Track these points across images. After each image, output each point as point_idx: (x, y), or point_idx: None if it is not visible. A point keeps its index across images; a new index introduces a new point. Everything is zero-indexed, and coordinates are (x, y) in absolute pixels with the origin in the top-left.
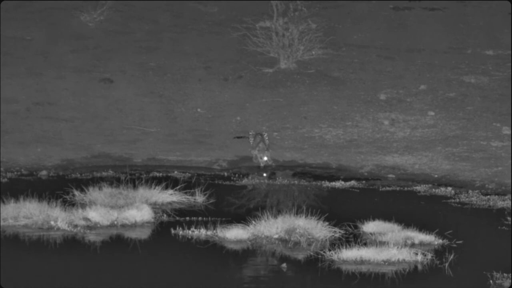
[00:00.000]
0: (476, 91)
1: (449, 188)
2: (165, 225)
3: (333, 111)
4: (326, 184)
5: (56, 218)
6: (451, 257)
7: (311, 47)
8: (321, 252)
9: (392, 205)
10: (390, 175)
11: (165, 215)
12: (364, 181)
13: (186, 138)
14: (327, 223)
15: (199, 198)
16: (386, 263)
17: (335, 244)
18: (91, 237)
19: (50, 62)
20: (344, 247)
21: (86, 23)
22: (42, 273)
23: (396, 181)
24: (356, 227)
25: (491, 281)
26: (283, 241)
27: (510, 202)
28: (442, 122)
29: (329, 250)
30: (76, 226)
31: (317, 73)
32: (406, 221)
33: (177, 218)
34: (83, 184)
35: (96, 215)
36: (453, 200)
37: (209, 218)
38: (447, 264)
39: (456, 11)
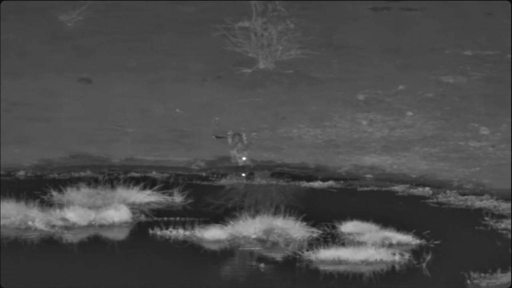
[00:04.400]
0: (455, 91)
1: (427, 188)
2: (143, 225)
3: (312, 111)
4: (304, 184)
5: (33, 218)
6: (429, 257)
7: (290, 47)
8: (299, 252)
9: (370, 205)
10: (368, 175)
11: (143, 215)
12: (342, 181)
13: (165, 138)
14: (305, 223)
15: (177, 198)
16: (364, 263)
17: (313, 244)
18: (69, 237)
19: (28, 62)
20: (322, 247)
21: (65, 23)
22: (18, 273)
23: (374, 181)
24: (334, 227)
25: (468, 281)
26: (261, 241)
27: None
28: (420, 122)
29: (307, 250)
30: (53, 226)
31: (295, 73)
32: (384, 221)
33: (155, 218)
34: (61, 184)
35: (74, 215)
36: (431, 200)
37: (187, 218)
38: (424, 264)
39: (435, 11)
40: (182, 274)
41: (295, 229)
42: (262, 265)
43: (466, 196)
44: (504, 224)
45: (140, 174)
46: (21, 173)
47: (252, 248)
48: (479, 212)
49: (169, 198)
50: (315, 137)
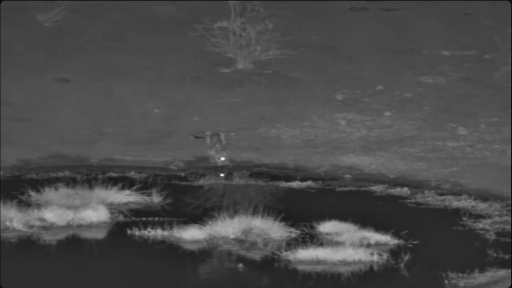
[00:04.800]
0: (433, 91)
1: (405, 188)
2: (122, 225)
3: (290, 111)
4: (283, 184)
5: (11, 218)
6: (407, 257)
7: (269, 48)
8: (277, 252)
9: (348, 205)
10: (347, 175)
11: (121, 216)
12: (320, 181)
13: (143, 138)
14: (283, 223)
15: (156, 199)
16: (342, 263)
17: (291, 244)
18: (47, 237)
19: (6, 62)
20: (300, 247)
21: (43, 23)
22: None
23: (353, 181)
24: (312, 227)
25: (446, 281)
26: (239, 241)
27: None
28: (399, 122)
29: (285, 250)
30: (32, 226)
31: (274, 73)
32: (362, 221)
33: (134, 218)
34: (39, 185)
35: (52, 215)
36: (409, 200)
37: (166, 218)
38: (402, 264)
39: (413, 11)
40: (160, 274)
41: (273, 229)
42: (240, 265)
43: (444, 196)
44: (482, 224)
45: (118, 174)
46: None
47: (231, 248)
48: (457, 212)
49: (147, 198)
50: (293, 137)
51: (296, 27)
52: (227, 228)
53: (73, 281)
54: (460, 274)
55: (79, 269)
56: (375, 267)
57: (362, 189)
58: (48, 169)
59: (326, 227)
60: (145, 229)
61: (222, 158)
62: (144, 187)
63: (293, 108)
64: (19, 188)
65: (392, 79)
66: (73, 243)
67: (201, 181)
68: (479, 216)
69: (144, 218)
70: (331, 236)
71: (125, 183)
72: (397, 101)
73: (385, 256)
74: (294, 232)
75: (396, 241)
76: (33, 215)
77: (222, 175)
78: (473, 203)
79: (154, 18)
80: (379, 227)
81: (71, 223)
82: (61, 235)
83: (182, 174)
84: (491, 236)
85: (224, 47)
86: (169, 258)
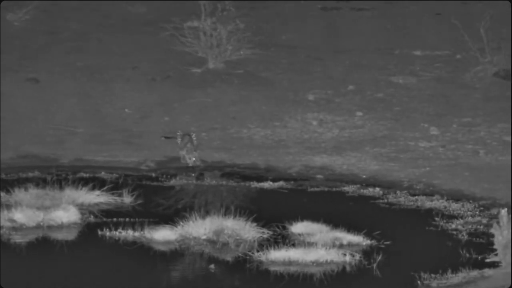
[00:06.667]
0: (404, 91)
1: (377, 189)
2: (92, 226)
3: (262, 111)
4: (255, 184)
5: None
6: (379, 257)
7: (240, 47)
8: (249, 253)
9: (320, 205)
10: (319, 176)
11: (92, 216)
12: (292, 182)
13: (114, 139)
14: (255, 224)
15: (127, 199)
16: (314, 264)
17: (263, 245)
18: (17, 238)
19: None
20: (273, 248)
21: (12, 23)
22: None
23: (325, 181)
24: (284, 228)
25: (418, 281)
26: (211, 242)
27: None
28: (370, 122)
29: (257, 251)
30: (1, 227)
31: (245, 73)
32: (334, 222)
33: (104, 219)
34: (8, 185)
35: (22, 216)
36: (381, 201)
37: (137, 219)
38: (375, 265)
39: (384, 11)
40: (131, 275)
41: (245, 230)
42: (212, 266)
43: (416, 197)
44: (454, 224)
45: (89, 174)
46: None
47: (202, 249)
48: (430, 213)
49: (118, 199)
50: (265, 137)
51: (267, 27)
52: (198, 228)
53: (42, 282)
54: (432, 275)
55: (49, 270)
56: (348, 267)
57: (334, 189)
58: (18, 169)
59: (298, 227)
60: (116, 229)
61: (193, 159)
62: (115, 187)
63: (264, 108)
64: None
65: (363, 79)
66: (44, 244)
67: (172, 182)
68: (451, 217)
69: (115, 219)
70: (303, 237)
71: (96, 183)
72: (368, 101)
73: (357, 256)
74: (266, 233)
75: (368, 242)
76: (3, 216)
77: (193, 175)
78: (446, 203)
79: (125, 18)
80: (352, 228)
81: (41, 224)
82: (31, 236)
83: (153, 175)
84: (464, 237)
85: (194, 46)
86: (140, 258)
